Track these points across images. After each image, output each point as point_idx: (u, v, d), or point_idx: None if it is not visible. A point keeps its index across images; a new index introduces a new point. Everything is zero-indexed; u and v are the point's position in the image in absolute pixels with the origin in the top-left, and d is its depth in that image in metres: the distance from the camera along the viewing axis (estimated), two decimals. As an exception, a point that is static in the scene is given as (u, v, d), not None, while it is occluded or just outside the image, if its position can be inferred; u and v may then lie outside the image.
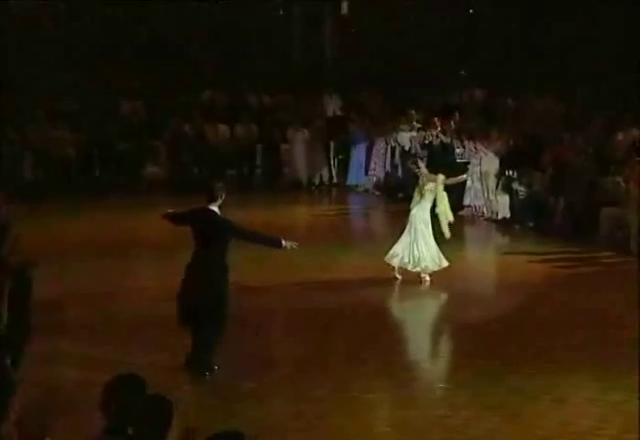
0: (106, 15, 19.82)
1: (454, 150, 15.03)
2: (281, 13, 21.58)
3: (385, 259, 9.74)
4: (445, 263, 9.67)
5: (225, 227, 6.85)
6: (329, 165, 18.12)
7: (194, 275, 6.94)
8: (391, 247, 9.74)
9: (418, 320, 8.72)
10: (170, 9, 20.05)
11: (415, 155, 11.86)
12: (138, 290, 9.87)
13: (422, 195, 9.66)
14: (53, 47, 19.28)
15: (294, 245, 7.04)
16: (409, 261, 9.59)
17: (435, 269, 9.69)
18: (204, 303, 6.86)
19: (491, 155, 14.32)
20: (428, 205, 9.70)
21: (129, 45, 20.04)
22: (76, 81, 18.77)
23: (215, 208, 6.89)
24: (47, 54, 18.93)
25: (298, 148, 17.99)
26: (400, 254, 9.63)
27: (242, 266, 10.75)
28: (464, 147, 14.95)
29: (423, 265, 9.60)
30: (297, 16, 21.42)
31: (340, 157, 18.59)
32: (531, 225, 13.00)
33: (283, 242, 7.02)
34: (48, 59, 18.74)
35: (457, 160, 14.87)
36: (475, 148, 14.60)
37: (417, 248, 9.52)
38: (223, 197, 6.96)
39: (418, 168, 9.93)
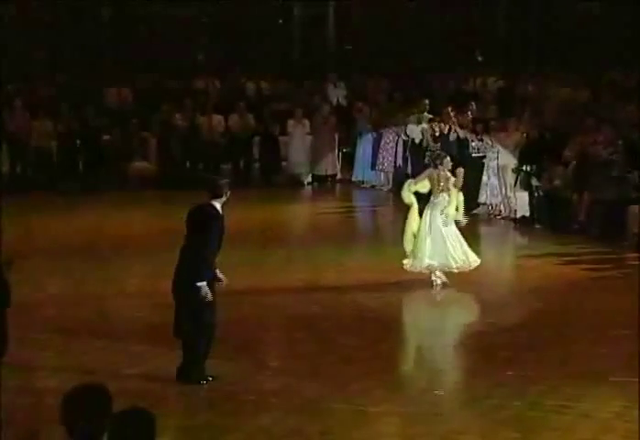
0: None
1: (469, 144, 15.00)
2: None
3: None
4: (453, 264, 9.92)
5: (209, 226, 6.87)
6: (333, 159, 18.08)
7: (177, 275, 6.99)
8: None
9: (429, 326, 8.68)
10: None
11: (435, 150, 11.81)
12: (123, 293, 9.85)
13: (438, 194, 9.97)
14: (31, 29, 19.33)
15: (207, 295, 6.82)
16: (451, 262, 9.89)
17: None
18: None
19: (508, 148, 14.28)
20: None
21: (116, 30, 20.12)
22: (55, 64, 18.79)
23: (217, 205, 6.94)
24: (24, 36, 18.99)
25: (299, 140, 17.95)
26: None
27: (237, 268, 10.82)
28: (480, 139, 14.91)
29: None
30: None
31: (345, 150, 18.57)
32: (552, 224, 12.96)
33: (202, 284, 6.82)
34: (22, 39, 18.78)
35: (473, 155, 14.84)
36: (491, 141, 14.56)
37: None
38: (228, 194, 7.05)
39: (439, 165, 10.03)
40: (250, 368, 7.39)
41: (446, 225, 9.92)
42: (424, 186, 10.21)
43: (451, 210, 9.97)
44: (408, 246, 10.03)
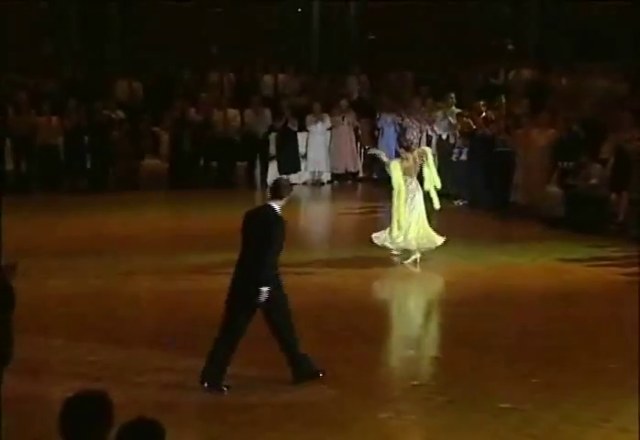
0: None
1: (499, 140, 14.94)
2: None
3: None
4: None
5: (268, 227, 6.96)
6: (354, 156, 18.06)
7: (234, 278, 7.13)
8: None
9: (459, 333, 8.62)
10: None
11: (450, 141, 12.33)
12: (133, 297, 9.87)
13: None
14: (38, 16, 19.44)
15: (262, 299, 6.89)
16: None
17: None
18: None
19: (541, 144, 14.20)
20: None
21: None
22: (61, 56, 18.86)
23: (277, 206, 7.06)
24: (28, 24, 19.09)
25: (318, 136, 17.93)
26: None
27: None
28: (510, 134, 14.84)
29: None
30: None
31: (367, 147, 18.52)
32: (588, 225, 12.87)
33: (263, 290, 6.91)
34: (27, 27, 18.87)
35: (502, 150, 14.77)
36: (523, 136, 14.48)
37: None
38: (289, 196, 7.21)
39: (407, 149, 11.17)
40: (264, 377, 7.37)
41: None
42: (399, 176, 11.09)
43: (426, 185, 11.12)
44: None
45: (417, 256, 11.12)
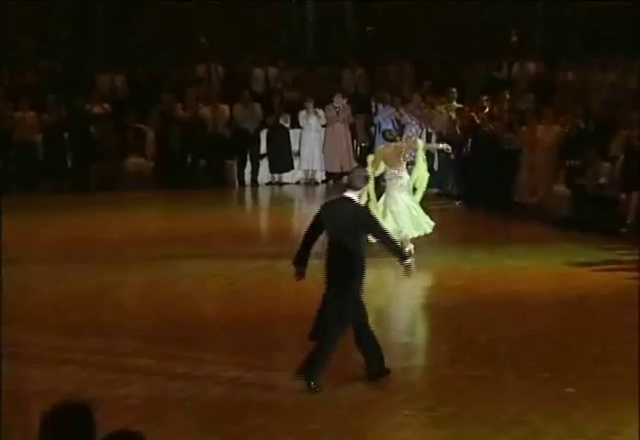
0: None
1: (503, 137, 14.97)
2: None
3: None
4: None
5: (360, 219, 7.36)
6: (349, 154, 18.06)
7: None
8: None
9: (462, 340, 8.63)
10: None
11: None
12: (120, 303, 9.87)
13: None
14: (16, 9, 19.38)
15: (411, 272, 7.52)
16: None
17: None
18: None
19: (547, 141, 14.23)
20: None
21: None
22: (41, 48, 18.76)
23: (354, 197, 7.42)
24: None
25: (312, 133, 17.95)
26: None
27: (246, 276, 10.83)
28: (514, 132, 14.87)
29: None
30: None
31: (364, 144, 18.53)
32: (597, 226, 12.89)
33: (407, 261, 7.50)
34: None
35: (506, 148, 14.80)
36: (528, 133, 14.51)
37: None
38: (365, 187, 7.63)
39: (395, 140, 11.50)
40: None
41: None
42: (381, 167, 11.36)
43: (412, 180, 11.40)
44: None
45: (411, 247, 11.27)
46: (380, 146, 11.99)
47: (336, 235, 7.35)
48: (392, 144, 11.46)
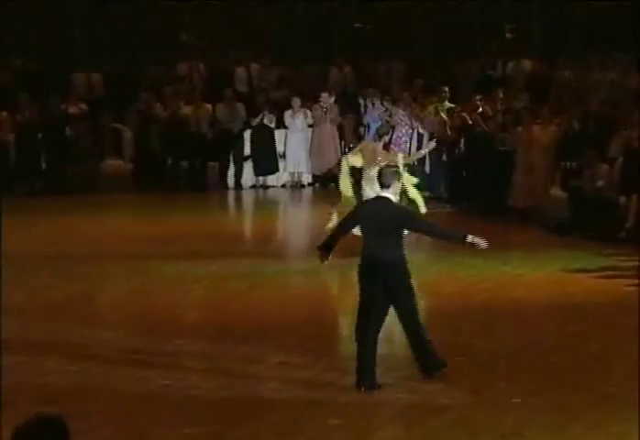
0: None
1: (497, 137, 14.98)
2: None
3: None
4: None
5: (401, 218, 7.65)
6: (337, 156, 18.04)
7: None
8: None
9: (456, 349, 8.62)
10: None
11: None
12: (97, 312, 9.81)
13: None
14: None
15: (482, 242, 7.65)
16: None
17: None
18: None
19: (543, 142, 14.24)
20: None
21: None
22: (12, 46, 18.66)
23: (389, 195, 7.69)
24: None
25: (298, 134, 17.93)
26: None
27: (229, 283, 10.80)
28: (509, 132, 14.89)
29: None
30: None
31: (352, 145, 18.50)
32: (595, 231, 12.90)
33: (469, 237, 7.66)
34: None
35: (500, 149, 14.81)
36: (524, 134, 14.52)
37: None
38: (398, 183, 7.84)
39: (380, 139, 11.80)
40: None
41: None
42: (358, 160, 11.69)
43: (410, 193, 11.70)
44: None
45: None
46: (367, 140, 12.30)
47: (375, 235, 7.57)
48: (376, 143, 11.79)
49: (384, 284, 7.53)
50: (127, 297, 10.47)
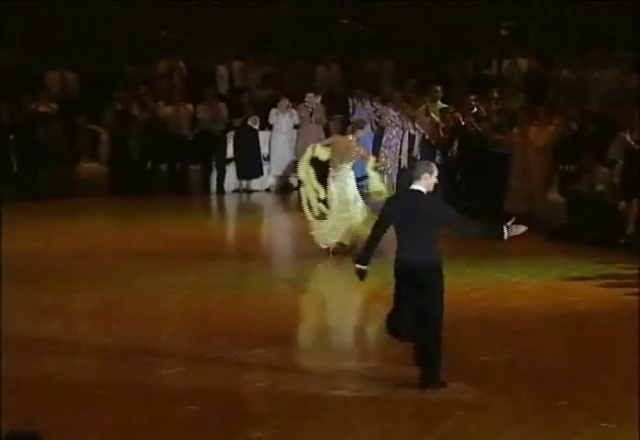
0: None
1: (491, 139, 14.96)
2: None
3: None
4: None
5: (436, 210, 7.72)
6: (325, 158, 18.01)
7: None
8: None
9: (450, 361, 8.57)
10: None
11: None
12: (69, 327, 9.72)
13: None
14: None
15: (521, 228, 7.78)
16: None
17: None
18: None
19: (539, 144, 14.23)
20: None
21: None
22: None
23: (421, 188, 7.70)
24: None
25: (283, 135, 17.89)
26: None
27: (210, 294, 10.72)
28: (504, 133, 14.87)
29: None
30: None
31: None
32: (594, 237, 12.89)
33: (505, 232, 7.73)
34: None
35: (495, 151, 14.79)
36: (519, 135, 14.50)
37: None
38: (431, 177, 7.76)
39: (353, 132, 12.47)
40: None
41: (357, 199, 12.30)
42: (325, 153, 12.23)
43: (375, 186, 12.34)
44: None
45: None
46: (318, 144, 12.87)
47: (410, 231, 7.59)
48: (350, 138, 12.33)
49: (417, 283, 7.55)
50: (96, 310, 10.30)
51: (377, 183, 12.50)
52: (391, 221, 7.73)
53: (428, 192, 7.74)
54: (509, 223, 7.80)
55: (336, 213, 12.27)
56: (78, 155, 17.50)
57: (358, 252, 9.01)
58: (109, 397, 7.58)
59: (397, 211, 7.70)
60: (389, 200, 8.07)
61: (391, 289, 7.74)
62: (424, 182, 7.70)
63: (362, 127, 12.72)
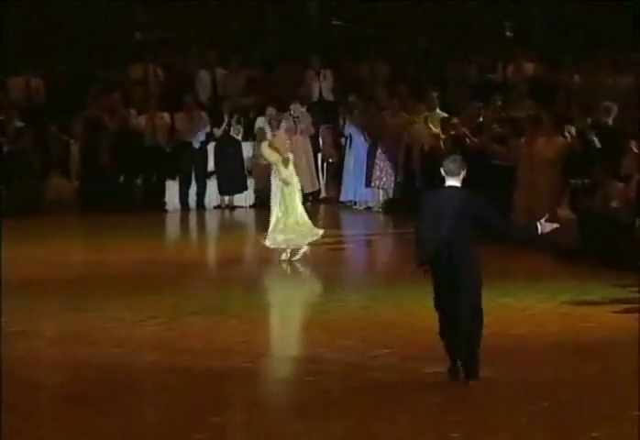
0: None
1: (494, 151, 14.96)
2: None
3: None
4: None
5: (474, 204, 8.37)
6: (311, 172, 18.01)
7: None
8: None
9: (447, 390, 8.53)
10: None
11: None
12: (34, 357, 9.64)
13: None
14: None
15: (553, 225, 8.70)
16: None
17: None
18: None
19: (547, 156, 14.21)
20: None
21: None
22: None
23: (457, 184, 8.37)
24: None
25: (269, 146, 17.86)
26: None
27: (188, 320, 10.65)
28: (508, 145, 14.87)
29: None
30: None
31: (331, 160, 18.46)
32: (608, 258, 12.86)
33: (540, 227, 8.65)
34: None
35: (499, 164, 14.79)
36: (526, 147, 14.49)
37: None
38: (463, 173, 8.40)
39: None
40: None
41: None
42: (273, 155, 13.07)
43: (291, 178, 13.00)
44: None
45: (306, 249, 13.15)
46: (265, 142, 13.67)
47: (447, 227, 8.20)
48: (283, 134, 13.61)
49: (454, 277, 8.26)
50: (59, 340, 10.17)
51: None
52: (432, 219, 8.27)
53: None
54: (542, 220, 8.60)
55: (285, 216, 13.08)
56: (47, 168, 17.42)
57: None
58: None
59: (436, 207, 8.30)
60: (427, 197, 8.64)
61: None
62: (460, 178, 8.35)
63: (278, 127, 14.20)
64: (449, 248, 8.23)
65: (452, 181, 8.37)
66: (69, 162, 17.76)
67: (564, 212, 13.75)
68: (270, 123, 13.74)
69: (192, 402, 8.24)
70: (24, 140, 17.26)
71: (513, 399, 8.54)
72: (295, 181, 13.13)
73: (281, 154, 13.03)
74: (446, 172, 8.42)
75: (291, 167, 13.08)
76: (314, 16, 21.90)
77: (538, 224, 8.68)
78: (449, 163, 8.48)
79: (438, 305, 8.55)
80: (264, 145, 13.43)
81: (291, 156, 13.15)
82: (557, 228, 8.71)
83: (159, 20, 20.98)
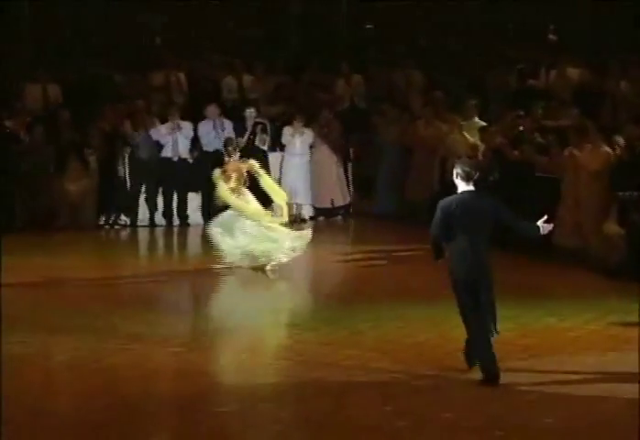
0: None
1: (535, 162, 14.93)
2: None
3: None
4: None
5: (494, 208, 8.96)
6: (341, 185, 18.02)
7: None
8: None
9: (487, 425, 8.45)
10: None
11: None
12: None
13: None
14: None
15: (548, 227, 9.22)
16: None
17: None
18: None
19: (594, 168, 14.14)
20: None
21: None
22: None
23: (471, 188, 8.87)
24: None
25: (297, 157, 17.90)
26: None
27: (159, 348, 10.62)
28: (551, 155, 14.83)
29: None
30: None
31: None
32: (659, 276, 12.79)
33: (541, 228, 9.19)
34: None
35: (542, 176, 14.74)
36: (570, 158, 14.42)
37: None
38: (477, 176, 8.88)
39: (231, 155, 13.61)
40: None
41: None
42: (229, 182, 13.45)
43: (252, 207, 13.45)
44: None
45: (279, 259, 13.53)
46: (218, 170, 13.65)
47: (467, 233, 8.81)
48: (235, 161, 13.55)
49: (474, 283, 8.89)
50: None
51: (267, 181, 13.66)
52: (451, 221, 8.79)
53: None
54: (541, 221, 9.12)
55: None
56: (62, 180, 17.48)
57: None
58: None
59: (457, 211, 8.78)
60: (443, 204, 8.94)
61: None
62: (473, 183, 8.81)
63: (235, 149, 13.70)
64: (475, 254, 8.82)
65: (466, 186, 8.84)
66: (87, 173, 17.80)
67: (612, 226, 13.68)
68: (226, 149, 13.75)
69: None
70: (42, 152, 17.33)
71: (557, 432, 8.46)
72: (252, 207, 13.54)
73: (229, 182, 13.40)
74: (459, 177, 8.84)
75: (244, 196, 13.50)
76: (344, 20, 22.03)
77: (539, 224, 9.14)
78: (463, 166, 8.88)
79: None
80: (217, 173, 13.60)
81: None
82: (552, 230, 9.33)
83: (183, 27, 21.17)
